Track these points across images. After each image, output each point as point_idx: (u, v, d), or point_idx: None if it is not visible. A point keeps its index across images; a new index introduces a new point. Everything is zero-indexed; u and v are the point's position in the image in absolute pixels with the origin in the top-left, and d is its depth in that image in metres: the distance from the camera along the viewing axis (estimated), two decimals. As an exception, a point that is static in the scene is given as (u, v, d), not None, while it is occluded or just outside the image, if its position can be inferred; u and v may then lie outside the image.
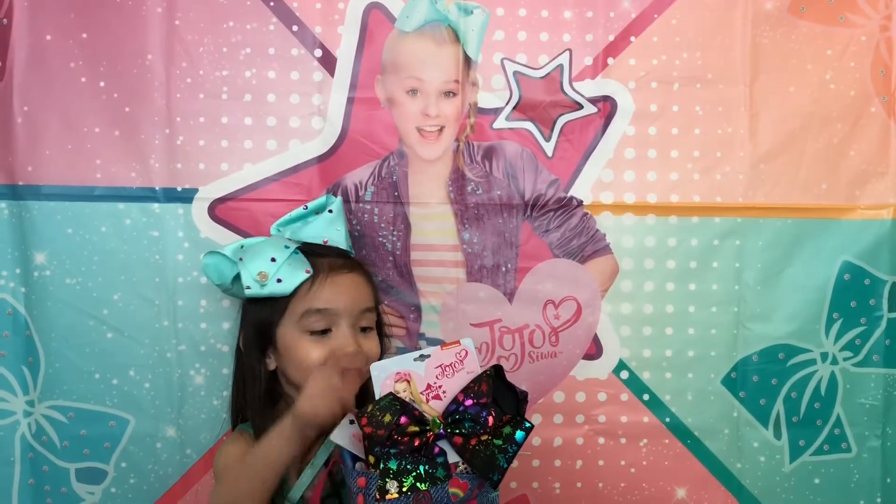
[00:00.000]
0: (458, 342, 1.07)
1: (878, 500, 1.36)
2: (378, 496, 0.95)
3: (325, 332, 1.12)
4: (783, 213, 1.32)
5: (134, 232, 1.26)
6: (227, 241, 1.24)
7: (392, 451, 0.97)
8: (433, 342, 1.32)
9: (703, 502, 1.35)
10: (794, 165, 1.32)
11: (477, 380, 1.02)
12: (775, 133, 1.32)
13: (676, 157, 1.31)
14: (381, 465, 0.96)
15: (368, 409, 0.99)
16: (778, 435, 1.35)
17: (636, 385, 1.34)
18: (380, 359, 1.16)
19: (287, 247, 1.13)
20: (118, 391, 1.27)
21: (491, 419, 0.99)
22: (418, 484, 0.96)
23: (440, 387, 1.04)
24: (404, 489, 0.95)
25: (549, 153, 1.31)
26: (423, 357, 1.05)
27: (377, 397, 1.03)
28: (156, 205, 1.26)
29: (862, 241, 1.33)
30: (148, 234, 1.26)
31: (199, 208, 1.26)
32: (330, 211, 1.21)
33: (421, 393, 1.04)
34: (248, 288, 1.09)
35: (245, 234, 1.26)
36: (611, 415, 1.34)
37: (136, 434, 1.28)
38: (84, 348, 1.26)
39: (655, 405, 1.34)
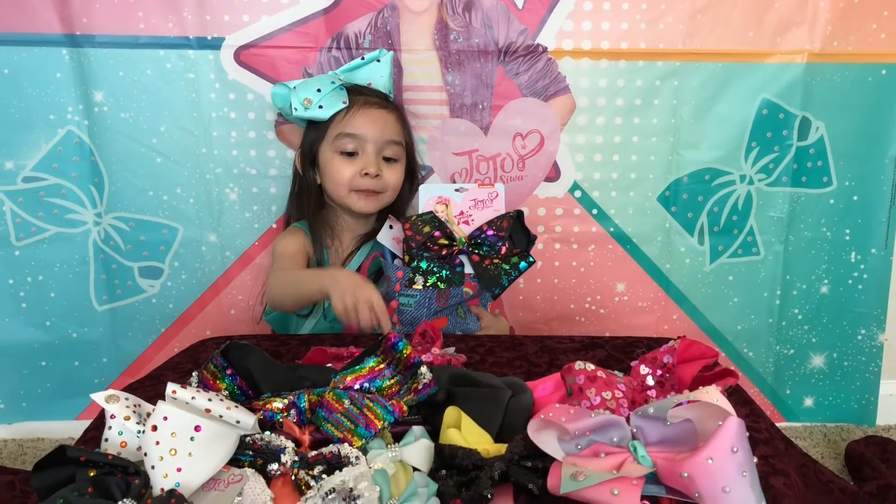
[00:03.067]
0: (492, 184, 1.35)
1: (778, 292, 1.64)
2: (407, 284, 1.25)
3: (353, 154, 1.39)
4: (715, 58, 1.52)
5: (174, 74, 1.49)
6: (252, 82, 1.49)
7: (424, 254, 1.25)
8: (423, 168, 1.58)
9: (638, 295, 1.65)
10: (726, 16, 1.50)
11: (501, 217, 1.29)
12: (712, -13, 1.49)
13: (627, 9, 1.50)
14: (414, 263, 1.25)
15: (412, 218, 1.28)
16: (701, 241, 1.62)
17: (587, 202, 1.59)
18: (401, 189, 1.45)
19: (333, 82, 1.36)
20: (168, 205, 1.55)
21: (504, 248, 1.27)
22: (439, 283, 1.26)
23: (471, 215, 1.32)
24: (427, 284, 1.25)
25: (520, 6, 1.50)
26: (462, 189, 1.33)
27: (420, 210, 1.32)
28: (190, 51, 1.48)
29: (779, 82, 1.53)
30: (185, 77, 1.49)
31: (226, 54, 1.48)
32: (378, 61, 1.44)
33: (455, 216, 1.32)
34: (295, 110, 1.35)
35: (265, 77, 1.49)
36: (566, 225, 1.61)
37: (185, 239, 1.57)
38: (139, 170, 1.53)
39: (602, 218, 1.60)
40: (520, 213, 1.29)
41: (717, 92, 1.54)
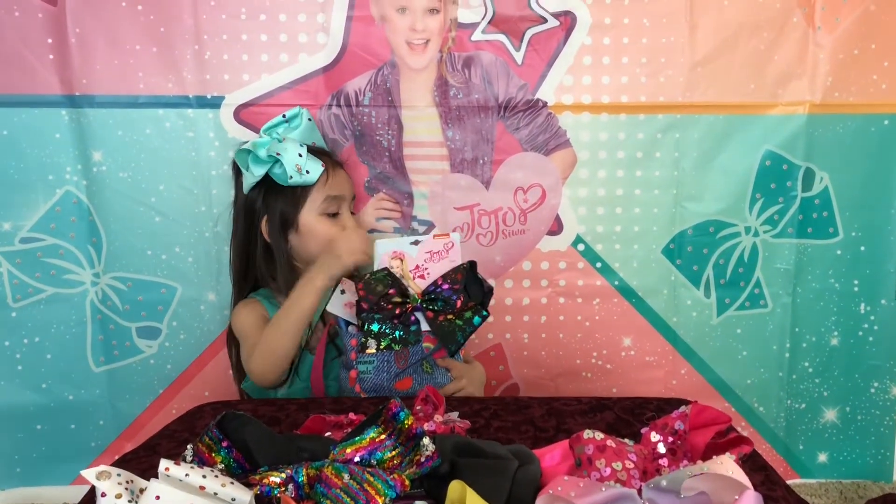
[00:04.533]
0: (448, 234, 1.32)
1: (788, 345, 1.61)
2: (360, 350, 1.21)
3: (335, 214, 1.39)
4: (716, 110, 1.52)
5: (173, 133, 1.48)
6: (251, 140, 1.47)
7: (376, 316, 1.22)
8: (424, 223, 1.57)
9: (645, 349, 1.62)
10: (726, 69, 1.50)
11: (455, 269, 1.25)
12: (711, 41, 1.49)
13: (626, 63, 1.50)
14: (365, 327, 1.22)
15: (365, 278, 1.23)
16: (707, 294, 1.60)
17: (591, 255, 1.58)
18: None
19: (302, 145, 1.36)
20: (167, 264, 1.53)
21: (459, 303, 1.22)
22: (393, 345, 1.21)
23: (426, 269, 1.28)
24: (381, 348, 1.21)
25: (519, 61, 1.51)
26: (417, 242, 1.30)
27: (375, 267, 1.29)
28: (190, 110, 1.48)
29: (782, 133, 1.52)
30: (185, 135, 1.49)
31: (226, 113, 1.48)
32: (310, 120, 1.44)
33: (410, 271, 1.29)
34: (291, 177, 1.32)
35: (265, 135, 1.48)
36: (569, 279, 1.59)
37: (184, 299, 1.55)
38: (137, 230, 1.51)
39: (606, 271, 1.58)
40: (472, 264, 1.25)
41: (719, 144, 1.54)
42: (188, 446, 0.86)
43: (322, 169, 1.36)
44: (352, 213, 1.44)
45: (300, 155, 1.33)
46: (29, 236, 1.50)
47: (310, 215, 1.38)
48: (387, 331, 1.20)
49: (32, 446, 1.59)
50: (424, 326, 1.23)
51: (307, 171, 1.34)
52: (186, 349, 1.57)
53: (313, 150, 1.39)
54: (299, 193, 1.37)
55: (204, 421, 1.09)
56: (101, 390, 1.57)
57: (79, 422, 1.58)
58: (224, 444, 0.86)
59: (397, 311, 1.21)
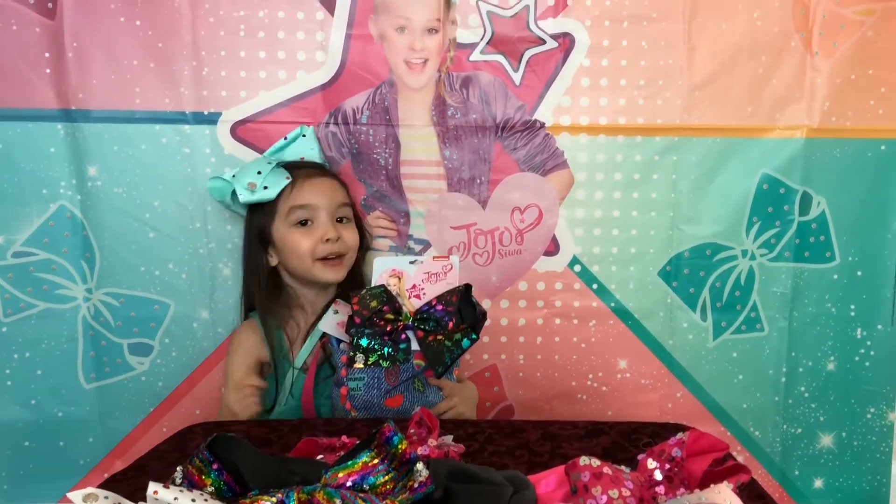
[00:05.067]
0: (447, 257, 1.32)
1: (784, 369, 1.60)
2: (349, 365, 1.21)
3: (306, 224, 1.39)
4: (714, 133, 1.52)
5: (169, 149, 1.47)
6: (248, 157, 1.47)
7: (367, 331, 1.21)
8: (420, 242, 1.56)
9: (640, 372, 1.60)
10: (724, 92, 1.50)
11: (451, 291, 1.25)
12: (709, 64, 1.49)
13: (624, 85, 1.50)
14: (354, 342, 1.21)
15: (362, 292, 1.24)
16: (704, 317, 1.59)
17: (587, 276, 1.57)
18: (360, 245, 1.45)
19: (270, 163, 1.38)
20: (160, 281, 1.52)
21: (451, 324, 1.22)
22: (381, 362, 1.21)
23: (423, 289, 1.28)
24: (368, 363, 1.20)
25: (517, 82, 1.51)
26: (417, 262, 1.30)
27: (373, 283, 1.29)
28: (186, 126, 1.47)
29: (779, 157, 1.52)
30: (181, 151, 1.48)
31: (222, 129, 1.47)
32: (304, 136, 1.46)
33: (406, 290, 1.29)
34: (241, 196, 1.34)
35: (261, 151, 1.47)
36: (566, 300, 1.58)
37: (177, 316, 1.53)
38: (131, 245, 1.50)
39: (603, 293, 1.57)
40: (468, 287, 1.25)
41: (717, 167, 1.54)
42: (178, 468, 0.85)
43: (286, 182, 1.36)
44: (340, 221, 1.43)
45: (259, 172, 1.35)
46: (22, 250, 1.49)
47: (281, 227, 1.39)
48: (375, 346, 1.21)
49: (20, 463, 1.56)
50: (414, 346, 1.23)
51: (265, 187, 1.35)
52: (178, 367, 1.55)
53: (290, 164, 1.40)
54: (269, 208, 1.38)
55: (195, 442, 1.07)
56: (92, 407, 1.55)
57: (68, 439, 1.56)
58: (214, 466, 0.84)
59: (388, 328, 1.21)
